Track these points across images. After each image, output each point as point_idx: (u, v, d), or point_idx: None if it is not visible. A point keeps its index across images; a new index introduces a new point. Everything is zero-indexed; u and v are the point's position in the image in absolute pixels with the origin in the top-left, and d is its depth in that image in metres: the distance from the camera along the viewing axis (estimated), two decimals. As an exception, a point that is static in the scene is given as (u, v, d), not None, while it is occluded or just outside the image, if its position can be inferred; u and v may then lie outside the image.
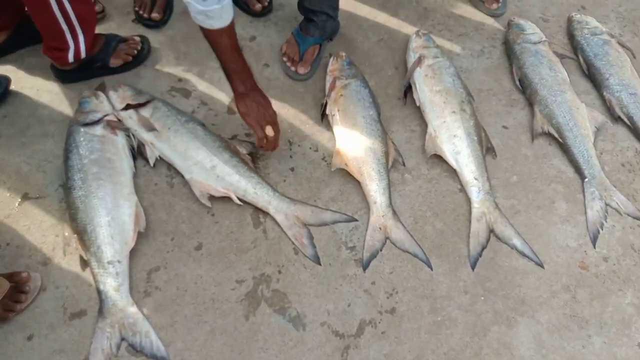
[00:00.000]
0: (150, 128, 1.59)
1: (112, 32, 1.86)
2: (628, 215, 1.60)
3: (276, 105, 1.73)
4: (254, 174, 1.54)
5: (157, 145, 1.59)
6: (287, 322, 1.39)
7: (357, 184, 1.61)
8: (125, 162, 1.54)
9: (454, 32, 2.04)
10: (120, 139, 1.58)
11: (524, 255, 1.52)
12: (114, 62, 1.78)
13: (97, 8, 1.92)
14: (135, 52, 1.81)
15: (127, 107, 1.65)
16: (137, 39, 1.85)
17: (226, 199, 1.53)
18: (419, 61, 1.79)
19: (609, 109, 1.83)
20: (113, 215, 1.42)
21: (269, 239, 1.52)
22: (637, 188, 1.67)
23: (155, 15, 1.94)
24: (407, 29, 2.02)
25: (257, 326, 1.38)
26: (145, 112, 1.63)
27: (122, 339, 1.31)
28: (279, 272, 1.47)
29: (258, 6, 1.99)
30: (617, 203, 1.61)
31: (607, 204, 1.61)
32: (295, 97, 1.83)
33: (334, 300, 1.43)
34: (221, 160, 1.54)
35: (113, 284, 1.35)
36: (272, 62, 1.91)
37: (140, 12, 1.95)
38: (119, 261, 1.37)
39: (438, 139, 1.67)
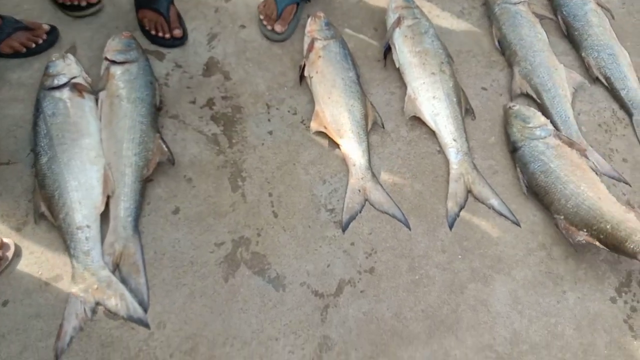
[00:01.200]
0: (98, 89, 1.56)
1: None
2: (604, 174, 1.62)
3: (253, 68, 1.71)
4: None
5: (103, 108, 1.55)
6: (266, 283, 1.39)
7: (336, 146, 1.60)
8: (92, 125, 1.51)
9: (434, -7, 2.01)
10: (87, 102, 1.54)
11: (501, 214, 1.53)
12: (4, 48, 1.68)
13: None
14: (34, 44, 1.70)
15: (105, 59, 1.61)
16: (46, 27, 1.73)
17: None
18: (399, 21, 1.77)
19: (587, 70, 1.83)
20: (80, 179, 1.40)
21: (248, 203, 1.51)
22: (613, 148, 1.69)
23: (177, 32, 1.77)
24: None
25: (237, 288, 1.38)
26: (116, 70, 1.59)
27: (97, 303, 1.30)
28: (258, 235, 1.46)
29: None
30: (593, 163, 1.63)
31: (584, 157, 1.62)
32: (272, 60, 1.79)
33: (313, 261, 1.43)
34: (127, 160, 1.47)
35: (83, 248, 1.33)
36: (249, 24, 1.87)
37: (158, 34, 1.77)
38: (87, 226, 1.35)
39: (417, 100, 1.66)
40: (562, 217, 1.44)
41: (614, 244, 1.37)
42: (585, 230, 1.40)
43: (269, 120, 1.66)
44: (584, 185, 1.45)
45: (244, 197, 1.52)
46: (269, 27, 1.79)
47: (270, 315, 1.35)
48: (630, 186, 1.61)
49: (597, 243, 1.38)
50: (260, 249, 1.44)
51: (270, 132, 1.64)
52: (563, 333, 1.36)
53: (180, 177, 1.53)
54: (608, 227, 1.37)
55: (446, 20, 1.94)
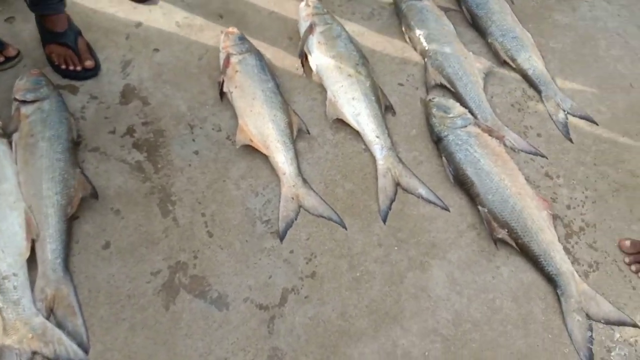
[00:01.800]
0: (10, 131, 1.52)
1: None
2: (521, 151, 1.71)
3: (172, 90, 1.69)
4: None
5: (18, 150, 1.50)
6: (209, 305, 1.38)
7: (265, 158, 1.61)
8: (8, 169, 1.45)
9: (343, -2, 2.07)
10: (0, 146, 1.48)
11: (430, 202, 1.58)
12: None
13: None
14: None
15: (15, 99, 1.57)
16: (13, 52, 1.73)
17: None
18: (311, 29, 1.80)
19: (494, 55, 1.92)
20: (1, 227, 1.34)
21: (181, 226, 1.49)
22: (527, 125, 1.78)
23: (88, 63, 1.74)
24: (300, -1, 2.02)
25: (179, 314, 1.36)
26: (27, 109, 1.54)
27: (34, 353, 1.24)
28: (195, 257, 1.45)
29: None
30: (510, 141, 1.71)
31: (502, 144, 1.70)
32: (190, 80, 1.79)
33: (254, 275, 1.43)
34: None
35: (12, 298, 1.27)
36: (163, 47, 1.85)
37: (69, 67, 1.73)
38: (14, 274, 1.30)
39: (338, 103, 1.69)
40: (486, 210, 1.50)
41: (529, 256, 1.46)
42: (506, 230, 1.47)
43: (193, 140, 1.65)
44: (507, 179, 1.52)
45: (175, 221, 1.50)
46: None
47: (217, 336, 1.33)
48: (547, 158, 1.70)
49: (514, 245, 1.46)
50: (199, 271, 1.43)
51: (196, 152, 1.63)
52: (502, 306, 1.42)
53: (107, 210, 1.49)
54: (526, 238, 1.45)
55: (358, 23, 1.99)
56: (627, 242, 1.51)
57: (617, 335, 1.38)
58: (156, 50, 1.84)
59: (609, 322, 1.40)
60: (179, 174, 1.58)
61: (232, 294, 1.40)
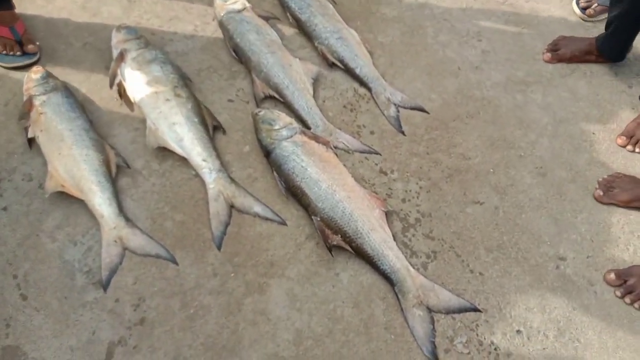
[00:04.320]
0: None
1: None
2: (355, 151, 1.70)
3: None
4: None
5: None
6: (25, 377, 1.25)
7: (83, 203, 1.49)
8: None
9: (164, 18, 1.98)
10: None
11: (267, 219, 1.53)
12: None
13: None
14: None
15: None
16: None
17: None
18: (122, 56, 1.70)
19: (323, 58, 1.91)
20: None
21: (-12, 294, 1.34)
22: (360, 124, 1.78)
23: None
24: (114, 25, 1.90)
25: (-10, 395, 1.22)
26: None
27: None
28: (8, 325, 1.31)
29: None
30: (343, 143, 1.70)
31: (335, 147, 1.68)
32: (-6, 129, 1.63)
33: (75, 333, 1.31)
34: None
35: None
36: (-40, 97, 1.68)
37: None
38: None
39: (158, 130, 1.60)
40: (318, 218, 1.47)
41: (364, 257, 1.45)
42: (339, 235, 1.44)
43: (1, 195, 1.50)
44: (336, 184, 1.49)
45: (-18, 289, 1.35)
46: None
47: (35, 410, 1.21)
48: (381, 155, 1.70)
49: (349, 249, 1.44)
50: (12, 340, 1.29)
51: (5, 208, 1.48)
52: (342, 315, 1.39)
53: None
54: (359, 240, 1.43)
55: (181, 42, 1.91)
56: (612, 276, 1.46)
57: (459, 324, 1.39)
58: (-48, 101, 1.67)
59: (450, 311, 1.41)
60: (-16, 237, 1.43)
61: (51, 359, 1.27)
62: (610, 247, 1.55)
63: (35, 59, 1.79)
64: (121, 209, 1.48)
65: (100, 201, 1.46)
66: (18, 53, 1.77)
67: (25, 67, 1.75)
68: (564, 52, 1.98)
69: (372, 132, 1.76)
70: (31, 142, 1.58)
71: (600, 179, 1.66)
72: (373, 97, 1.84)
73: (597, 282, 1.48)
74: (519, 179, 1.68)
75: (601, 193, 1.62)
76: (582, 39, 1.99)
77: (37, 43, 1.81)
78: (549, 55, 2.00)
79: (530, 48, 2.05)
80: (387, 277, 1.43)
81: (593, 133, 1.81)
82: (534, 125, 1.82)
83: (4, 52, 1.76)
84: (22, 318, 1.32)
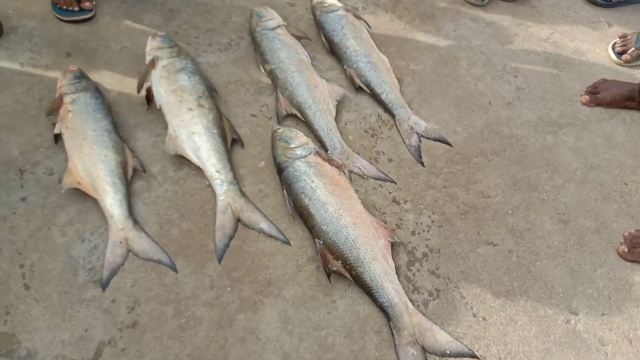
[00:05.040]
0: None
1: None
2: (370, 177, 1.67)
3: (6, 134, 1.63)
4: None
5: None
6: (15, 365, 1.28)
7: (96, 201, 1.53)
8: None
9: (201, 29, 2.03)
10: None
11: (271, 236, 1.53)
12: None
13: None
14: None
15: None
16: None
17: None
18: (153, 63, 1.75)
19: (350, 81, 1.90)
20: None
21: (-5, 280, 1.39)
22: (379, 150, 1.75)
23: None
24: (152, 32, 1.96)
25: (-20, 378, 1.26)
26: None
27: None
28: (7, 313, 1.35)
29: None
30: (359, 168, 1.68)
31: (350, 171, 1.66)
32: (28, 122, 1.70)
33: (69, 328, 1.34)
34: None
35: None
36: (2, 90, 1.77)
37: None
38: None
39: (178, 138, 1.63)
40: (321, 242, 1.45)
41: (363, 287, 1.42)
42: (340, 261, 1.42)
43: (22, 186, 1.56)
44: (343, 209, 1.47)
45: (-10, 275, 1.40)
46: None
47: (19, 399, 1.23)
48: (396, 184, 1.67)
49: (349, 276, 1.41)
50: (9, 328, 1.33)
51: (24, 199, 1.54)
52: (333, 344, 1.36)
53: None
54: (359, 269, 1.40)
55: (214, 55, 1.95)
56: (623, 248, 1.53)
57: (453, 367, 1.33)
58: (-7, 92, 1.76)
59: (446, 355, 1.35)
60: (1, 224, 1.48)
61: (43, 351, 1.30)
62: (628, 306, 1.45)
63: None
64: (131, 212, 1.51)
65: (112, 202, 1.50)
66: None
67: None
68: (603, 96, 1.89)
69: (390, 160, 1.73)
70: (57, 137, 1.64)
71: (627, 234, 1.56)
72: (396, 124, 1.81)
73: (610, 343, 1.39)
74: (539, 224, 1.61)
75: (625, 249, 1.52)
76: (624, 84, 1.90)
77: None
78: (587, 97, 1.92)
79: (568, 89, 1.97)
80: (383, 310, 1.39)
81: (625, 184, 1.71)
82: (562, 169, 1.74)
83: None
84: (22, 307, 1.36)
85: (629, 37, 2.04)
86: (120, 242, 1.46)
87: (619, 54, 2.06)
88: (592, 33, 2.19)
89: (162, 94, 1.70)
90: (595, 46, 2.14)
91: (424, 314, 1.38)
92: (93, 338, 1.33)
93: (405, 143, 1.77)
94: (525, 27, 2.21)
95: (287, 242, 1.52)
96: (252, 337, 1.36)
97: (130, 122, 1.74)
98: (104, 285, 1.41)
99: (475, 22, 2.21)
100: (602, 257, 1.55)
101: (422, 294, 1.45)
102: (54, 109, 1.63)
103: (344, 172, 1.59)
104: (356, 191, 1.59)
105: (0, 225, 1.49)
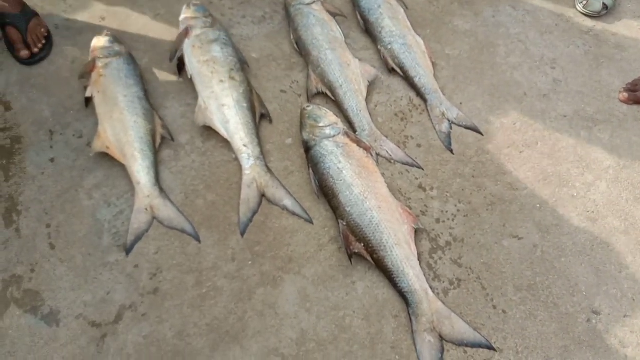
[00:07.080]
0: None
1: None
2: (397, 161, 1.65)
3: (39, 94, 1.64)
4: None
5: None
6: (38, 321, 1.31)
7: (125, 167, 1.54)
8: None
9: (236, 0, 2.00)
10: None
11: (294, 214, 1.52)
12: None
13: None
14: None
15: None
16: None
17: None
18: (186, 32, 1.74)
19: (384, 62, 1.86)
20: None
21: (23, 238, 1.42)
22: (408, 135, 1.73)
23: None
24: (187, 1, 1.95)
25: (5, 330, 1.29)
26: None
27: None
28: (32, 270, 1.38)
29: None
30: (387, 152, 1.66)
31: (377, 154, 1.65)
32: (60, 84, 1.71)
33: (92, 290, 1.36)
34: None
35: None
36: (35, 49, 1.78)
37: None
38: None
39: (208, 110, 1.63)
40: (344, 223, 1.44)
41: (383, 271, 1.41)
42: (362, 244, 1.41)
43: (51, 147, 1.58)
44: (368, 192, 1.46)
45: (18, 232, 1.43)
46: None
47: (42, 354, 1.27)
48: (423, 170, 1.65)
49: (370, 259, 1.40)
50: (34, 285, 1.36)
51: (52, 160, 1.56)
52: (351, 325, 1.36)
53: (-58, 220, 1.42)
54: (381, 253, 1.39)
55: (247, 27, 1.93)
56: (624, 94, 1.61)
57: (469, 359, 1.32)
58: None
59: (463, 344, 1.35)
60: (30, 183, 1.51)
61: (65, 310, 1.33)
62: (653, 311, 1.42)
63: None
64: (158, 180, 1.52)
65: (140, 168, 1.50)
66: None
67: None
68: (643, 94, 1.83)
69: (419, 145, 1.70)
70: (88, 101, 1.64)
71: (657, 236, 1.53)
72: (427, 110, 1.78)
73: (630, 345, 1.36)
74: (566, 220, 1.58)
75: (655, 251, 1.49)
76: (667, 83, 1.83)
77: None
78: (625, 95, 1.86)
79: (607, 84, 1.91)
80: (403, 296, 1.38)
81: (659, 185, 1.66)
82: (594, 166, 1.70)
83: None
84: (47, 266, 1.39)
85: None
86: (146, 209, 1.47)
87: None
88: (636, 28, 2.11)
89: (194, 64, 1.69)
90: (638, 42, 2.07)
91: (443, 303, 1.37)
92: (115, 301, 1.35)
93: (435, 129, 1.74)
94: (567, 17, 2.14)
95: (310, 221, 1.52)
96: (271, 311, 1.36)
97: (161, 90, 1.73)
98: (127, 250, 1.42)
99: (515, 9, 2.15)
100: (628, 258, 1.51)
101: (443, 282, 1.44)
102: (86, 72, 1.64)
103: (372, 155, 1.57)
104: (382, 175, 1.57)
105: (29, 184, 1.51)
